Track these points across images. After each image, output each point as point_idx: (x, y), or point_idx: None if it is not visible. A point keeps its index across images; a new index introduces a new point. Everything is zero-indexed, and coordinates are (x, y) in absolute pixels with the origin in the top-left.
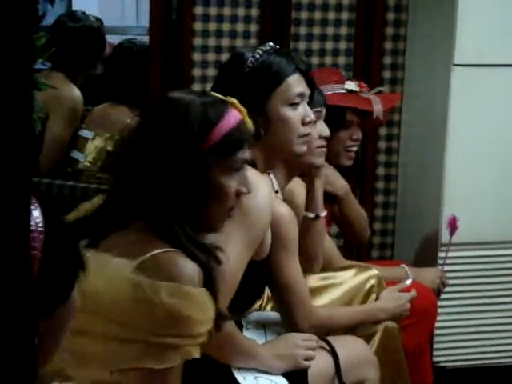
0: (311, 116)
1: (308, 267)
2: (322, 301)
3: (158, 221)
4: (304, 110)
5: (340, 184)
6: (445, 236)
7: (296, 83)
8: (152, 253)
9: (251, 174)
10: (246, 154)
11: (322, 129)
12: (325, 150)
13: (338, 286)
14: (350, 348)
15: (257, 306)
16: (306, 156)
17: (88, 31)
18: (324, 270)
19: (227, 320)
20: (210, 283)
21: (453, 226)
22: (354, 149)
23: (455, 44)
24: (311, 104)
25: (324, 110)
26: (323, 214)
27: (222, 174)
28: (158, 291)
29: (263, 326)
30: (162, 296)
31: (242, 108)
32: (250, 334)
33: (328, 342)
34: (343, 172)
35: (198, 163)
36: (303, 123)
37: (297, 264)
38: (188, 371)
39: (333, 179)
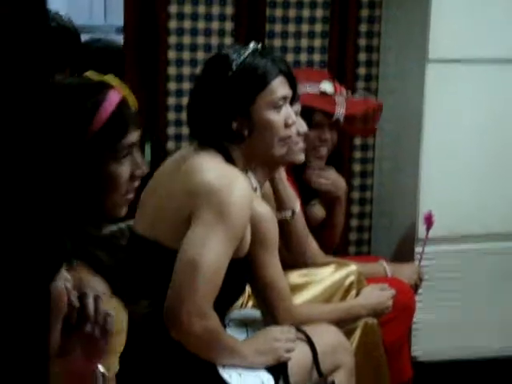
0: (293, 117)
1: (300, 260)
2: (302, 297)
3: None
4: (287, 112)
5: (341, 185)
6: (421, 231)
7: (280, 86)
8: None
9: (227, 170)
10: (133, 136)
11: (299, 125)
12: (303, 145)
13: (317, 283)
14: (325, 336)
15: (238, 303)
16: (288, 155)
17: (63, 32)
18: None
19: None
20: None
21: (429, 221)
22: (322, 149)
23: (429, 39)
24: (294, 102)
25: (299, 107)
26: (297, 207)
27: (111, 163)
28: None
29: (245, 323)
30: None
31: (124, 87)
32: (232, 332)
33: (304, 332)
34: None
35: (84, 156)
36: (286, 125)
37: (277, 262)
38: (174, 369)
39: (335, 179)
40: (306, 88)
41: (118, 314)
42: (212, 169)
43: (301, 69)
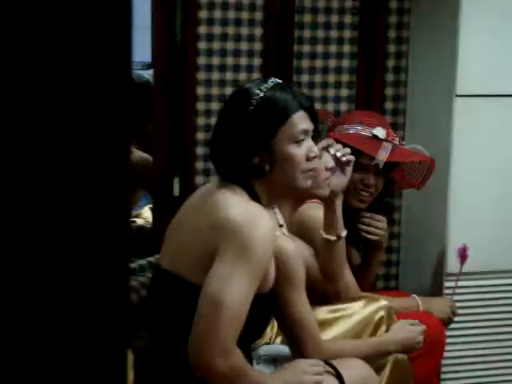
0: (316, 151)
1: (330, 288)
2: (331, 333)
3: None
4: (308, 146)
5: (387, 236)
6: (450, 265)
7: (300, 120)
8: None
9: (251, 207)
10: None
11: (327, 160)
12: (330, 181)
13: (347, 318)
14: (354, 369)
15: (266, 339)
16: (313, 189)
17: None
18: (340, 299)
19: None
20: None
21: (463, 255)
22: (364, 193)
23: (457, 74)
24: (316, 138)
25: (328, 141)
26: (344, 233)
27: None
28: None
29: (273, 360)
30: None
31: None
32: (261, 368)
33: (333, 366)
34: (351, 212)
35: None
36: (308, 159)
37: (305, 299)
38: None
39: (385, 229)
40: (358, 129)
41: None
42: (237, 205)
43: (359, 112)
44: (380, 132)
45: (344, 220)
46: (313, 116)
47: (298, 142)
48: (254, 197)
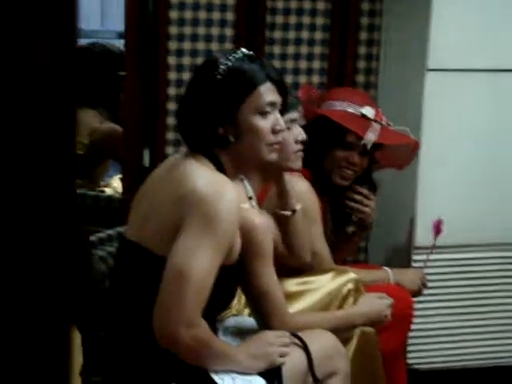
0: (282, 125)
1: (299, 259)
2: (299, 306)
3: None
4: (274, 119)
5: (374, 215)
6: (418, 239)
7: (267, 92)
8: None
9: (216, 178)
10: None
11: (298, 133)
12: (302, 153)
13: (315, 291)
14: (320, 341)
15: (234, 310)
16: (283, 161)
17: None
18: (314, 270)
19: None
20: None
21: (438, 228)
22: (348, 171)
23: (429, 49)
24: (285, 111)
25: (298, 114)
26: (298, 207)
27: None
28: None
29: (240, 331)
30: None
31: None
32: (227, 340)
33: (299, 337)
34: (334, 189)
35: None
36: (273, 132)
37: (272, 271)
38: (164, 375)
39: (373, 209)
40: (345, 107)
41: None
42: (201, 176)
43: (347, 88)
44: (369, 111)
45: (328, 196)
46: (281, 89)
47: (263, 113)
48: (220, 168)
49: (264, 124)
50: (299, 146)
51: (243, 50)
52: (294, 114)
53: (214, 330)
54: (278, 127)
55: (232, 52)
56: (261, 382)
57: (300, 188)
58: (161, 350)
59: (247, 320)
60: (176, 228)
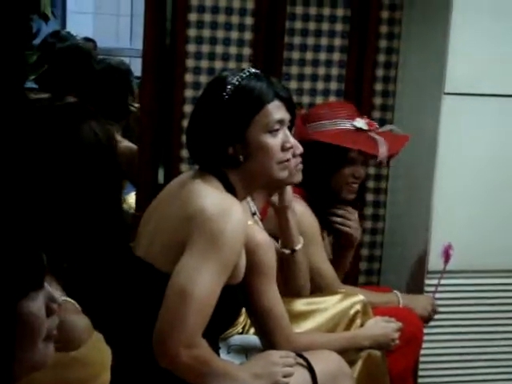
0: (291, 141)
1: (297, 295)
2: (306, 325)
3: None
4: (284, 136)
5: (359, 232)
6: (432, 263)
7: (276, 110)
8: None
9: (223, 197)
10: None
11: (295, 147)
12: (301, 166)
13: (322, 312)
14: (325, 361)
15: (239, 328)
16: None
17: (75, 51)
18: (320, 292)
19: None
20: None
21: (447, 253)
22: (355, 185)
23: (446, 73)
24: (292, 128)
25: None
26: (298, 246)
27: None
28: None
29: (245, 350)
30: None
31: None
32: (232, 358)
33: (304, 358)
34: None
35: None
36: (283, 149)
37: (275, 290)
38: None
39: (357, 225)
40: (341, 123)
41: (101, 349)
42: (209, 196)
43: (330, 104)
44: (362, 123)
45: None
46: (290, 106)
47: (272, 131)
48: (230, 188)
49: (274, 142)
50: (298, 159)
51: (251, 68)
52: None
53: (217, 349)
54: (288, 144)
55: (239, 71)
56: None
57: (298, 209)
58: (161, 370)
59: (252, 338)
60: (181, 246)
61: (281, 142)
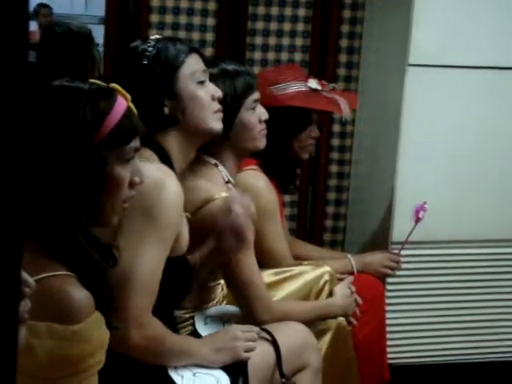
0: (219, 92)
1: None
2: (278, 294)
3: (53, 222)
4: (212, 87)
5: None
6: (395, 234)
7: (197, 61)
8: (41, 276)
9: (158, 171)
10: (137, 142)
11: (261, 113)
12: (265, 132)
13: (294, 278)
14: (291, 335)
15: (211, 304)
16: (250, 141)
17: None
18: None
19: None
20: (104, 286)
21: (418, 213)
22: (312, 145)
23: (410, 44)
24: (251, 89)
25: (258, 95)
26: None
27: (117, 165)
28: (38, 333)
29: (222, 319)
30: (42, 338)
31: (127, 94)
32: (209, 329)
33: (269, 332)
34: (296, 165)
35: (92, 156)
36: (213, 99)
37: (253, 259)
38: (122, 376)
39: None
40: (296, 86)
41: (94, 333)
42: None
43: (279, 68)
44: (315, 84)
45: (285, 173)
46: (204, 59)
47: (200, 82)
48: (164, 157)
49: (204, 92)
50: (263, 125)
51: (157, 35)
52: (255, 95)
53: (173, 325)
54: (218, 94)
55: (145, 39)
56: (224, 378)
57: (258, 184)
58: (116, 356)
59: (228, 307)
60: (118, 225)
61: (211, 92)
